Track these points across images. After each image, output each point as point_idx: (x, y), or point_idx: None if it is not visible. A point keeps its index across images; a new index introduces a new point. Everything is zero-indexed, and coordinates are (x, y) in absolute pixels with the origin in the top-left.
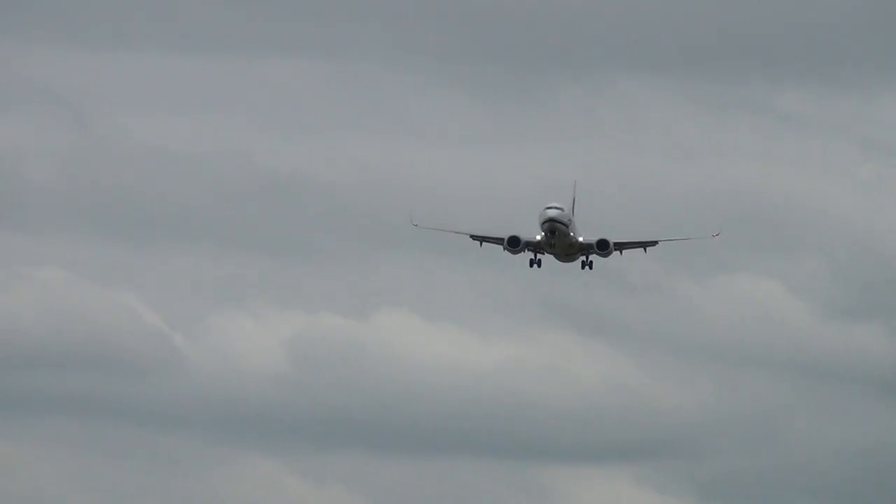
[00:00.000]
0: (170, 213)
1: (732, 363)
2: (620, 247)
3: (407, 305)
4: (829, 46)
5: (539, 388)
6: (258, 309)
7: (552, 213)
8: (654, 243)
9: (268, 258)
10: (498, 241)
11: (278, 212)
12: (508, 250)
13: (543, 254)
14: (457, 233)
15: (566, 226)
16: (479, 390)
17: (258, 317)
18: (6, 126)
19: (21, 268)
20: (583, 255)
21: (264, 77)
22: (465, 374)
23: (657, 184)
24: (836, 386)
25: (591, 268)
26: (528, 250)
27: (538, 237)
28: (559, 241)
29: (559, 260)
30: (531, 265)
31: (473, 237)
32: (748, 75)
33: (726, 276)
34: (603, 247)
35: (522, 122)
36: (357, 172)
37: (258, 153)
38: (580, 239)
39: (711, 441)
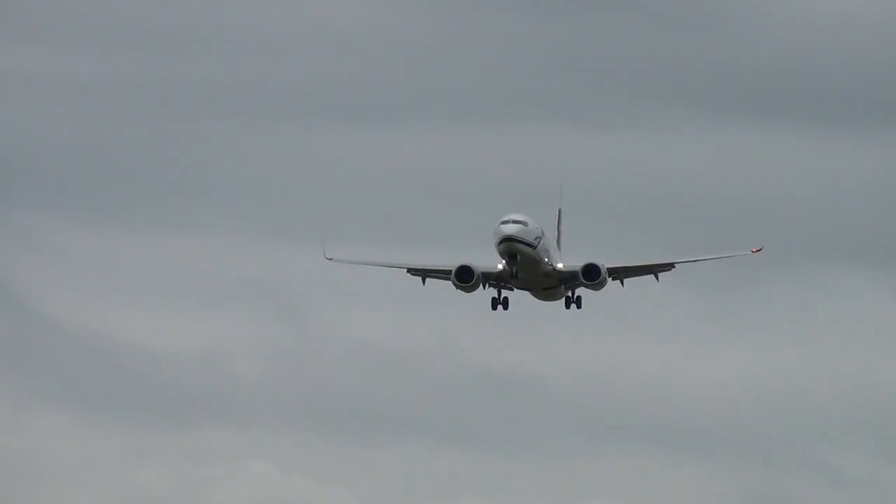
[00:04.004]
0: (381, 408)
1: None
2: (620, 274)
3: (618, 500)
4: None
5: None
6: None
7: (509, 228)
8: (668, 267)
9: (479, 454)
10: (444, 274)
11: (489, 408)
12: (459, 287)
13: (512, 289)
14: (389, 267)
15: (532, 247)
16: None
17: None
18: (216, 321)
19: (232, 463)
20: (567, 287)
21: None
22: None
23: (874, 378)
24: None
25: (578, 306)
26: (490, 285)
27: (500, 266)
28: (525, 270)
29: (536, 297)
30: (494, 306)
31: (412, 272)
32: None
33: None
34: (591, 275)
35: (734, 317)
36: (568, 369)
37: (471, 350)
38: (559, 266)
39: None
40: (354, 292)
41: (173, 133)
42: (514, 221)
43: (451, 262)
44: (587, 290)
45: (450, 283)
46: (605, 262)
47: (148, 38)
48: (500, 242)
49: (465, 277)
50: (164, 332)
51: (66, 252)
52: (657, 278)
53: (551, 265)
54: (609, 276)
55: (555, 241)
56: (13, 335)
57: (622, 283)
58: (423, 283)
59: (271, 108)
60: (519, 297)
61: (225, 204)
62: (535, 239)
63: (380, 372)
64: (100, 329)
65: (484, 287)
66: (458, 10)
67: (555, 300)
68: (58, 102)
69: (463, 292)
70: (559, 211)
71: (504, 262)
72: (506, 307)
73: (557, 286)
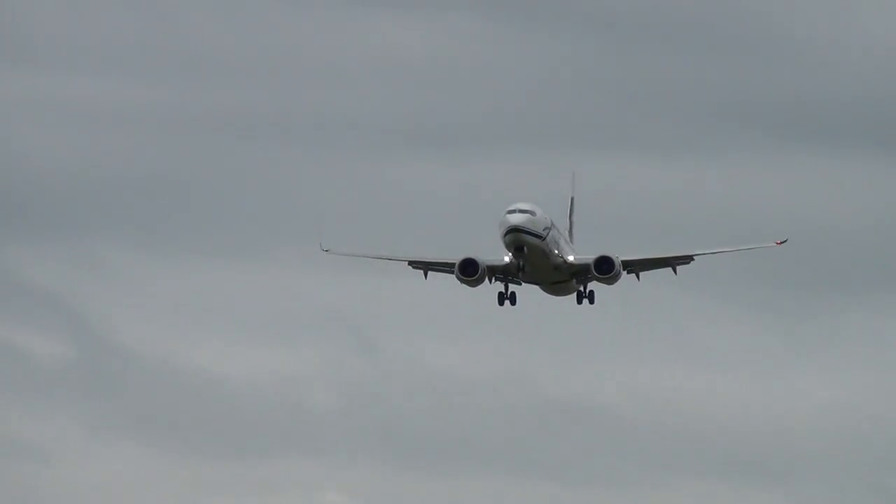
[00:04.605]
0: (455, 438)
1: None
2: (636, 267)
3: None
4: None
5: None
6: None
7: (516, 218)
8: (688, 259)
9: (549, 484)
10: (448, 267)
11: (561, 437)
12: (464, 281)
13: (519, 283)
14: (389, 259)
15: (541, 238)
16: None
17: None
18: (290, 351)
19: (305, 493)
20: (578, 281)
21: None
22: None
23: None
24: None
25: (591, 301)
26: (496, 279)
27: (506, 259)
28: (532, 263)
29: (546, 292)
30: (500, 301)
31: (413, 265)
32: None
33: None
34: (605, 268)
35: (806, 346)
36: (639, 398)
37: (542, 379)
38: (570, 258)
39: None
40: (428, 321)
41: (242, 162)
42: (521, 211)
43: (455, 255)
44: (600, 284)
45: (453, 276)
46: (619, 255)
47: (220, 67)
48: (507, 233)
49: (468, 271)
50: (234, 361)
51: (138, 282)
52: (675, 272)
53: (561, 258)
54: (624, 270)
55: (566, 232)
56: (87, 364)
57: (638, 276)
58: (426, 276)
59: (340, 139)
60: (528, 293)
61: (297, 232)
62: (544, 230)
63: (455, 401)
64: (170, 357)
65: (490, 281)
66: (516, 36)
67: (566, 295)
68: (134, 131)
69: (467, 286)
70: (571, 200)
71: (511, 254)
72: (513, 303)
73: (568, 280)
